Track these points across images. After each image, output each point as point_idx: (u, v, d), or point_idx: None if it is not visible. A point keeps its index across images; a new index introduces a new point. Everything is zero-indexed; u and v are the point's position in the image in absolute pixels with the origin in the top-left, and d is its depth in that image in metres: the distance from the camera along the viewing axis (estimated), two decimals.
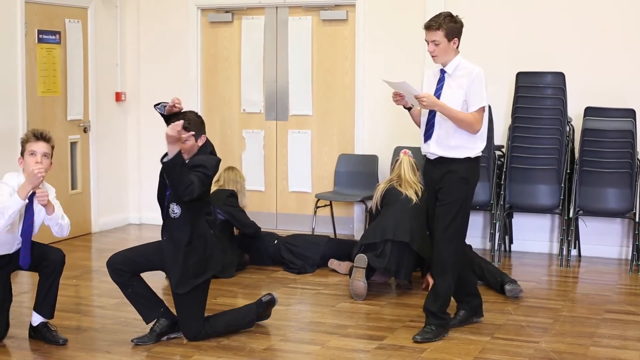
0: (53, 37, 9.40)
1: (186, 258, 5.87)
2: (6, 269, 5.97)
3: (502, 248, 8.76)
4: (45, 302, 6.01)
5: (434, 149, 6.00)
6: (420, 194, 7.44)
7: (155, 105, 6.13)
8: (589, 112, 8.42)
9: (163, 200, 5.97)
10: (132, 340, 6.00)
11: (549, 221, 8.97)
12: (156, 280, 6.92)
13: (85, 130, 9.89)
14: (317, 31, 9.87)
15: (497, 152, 8.79)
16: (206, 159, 5.88)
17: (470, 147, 5.99)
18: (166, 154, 5.60)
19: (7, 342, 6.01)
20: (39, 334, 6.05)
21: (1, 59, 8.74)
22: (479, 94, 5.93)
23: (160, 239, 6.07)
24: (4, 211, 5.60)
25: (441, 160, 6.00)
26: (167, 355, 5.80)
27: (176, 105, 6.00)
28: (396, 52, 9.32)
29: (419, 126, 6.21)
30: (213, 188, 8.18)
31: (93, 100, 9.95)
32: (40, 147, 5.80)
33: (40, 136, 5.82)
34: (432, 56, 5.99)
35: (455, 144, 5.95)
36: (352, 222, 9.76)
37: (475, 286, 6.50)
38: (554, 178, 8.44)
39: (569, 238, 8.43)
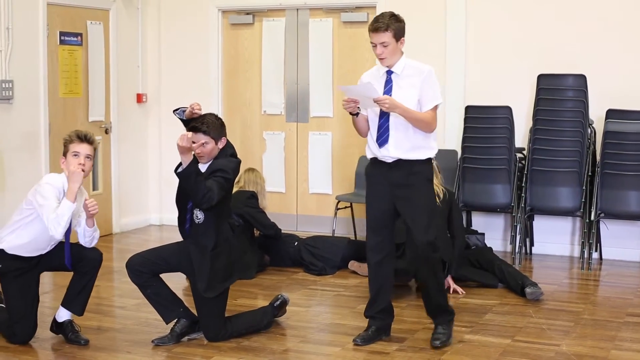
0: (75, 38, 9.45)
1: (213, 263, 5.88)
2: (37, 269, 6.01)
3: (523, 251, 8.72)
4: (77, 299, 6.04)
5: (393, 153, 5.83)
6: (441, 196, 7.41)
7: (174, 111, 6.14)
8: (611, 114, 8.39)
9: (181, 203, 5.99)
10: (152, 341, 6.02)
11: (570, 224, 8.94)
12: (176, 282, 6.94)
13: (106, 132, 9.93)
14: (338, 33, 9.88)
15: (518, 155, 8.76)
16: (226, 163, 5.88)
17: (428, 146, 5.88)
18: (180, 164, 5.63)
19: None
20: (61, 331, 6.08)
21: (23, 61, 8.79)
22: (433, 91, 5.82)
23: (179, 240, 6.10)
24: (59, 219, 5.60)
25: (401, 162, 5.84)
26: (188, 356, 5.81)
27: (195, 110, 6.01)
28: (416, 53, 9.22)
29: (361, 133, 6.03)
30: (233, 189, 8.21)
31: (114, 102, 10.00)
32: (84, 148, 5.81)
33: (84, 138, 5.83)
34: (380, 58, 5.82)
35: (414, 145, 5.82)
36: None
37: (391, 304, 6.21)
38: (575, 181, 8.40)
39: (590, 241, 8.39)
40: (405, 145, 5.81)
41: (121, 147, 10.13)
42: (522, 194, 8.55)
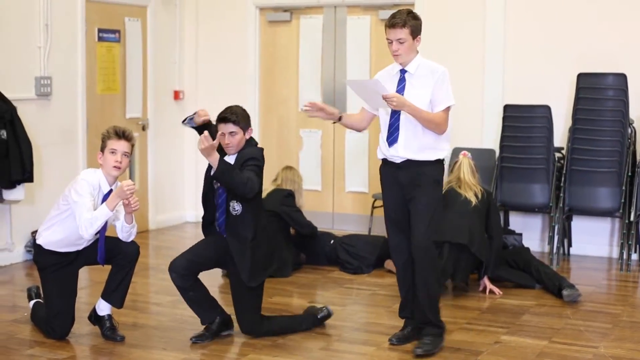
0: (113, 35, 9.48)
1: (254, 252, 5.90)
2: (75, 264, 6.03)
3: (561, 251, 8.65)
4: (116, 292, 6.07)
5: (402, 153, 5.76)
6: (479, 196, 7.38)
7: (183, 122, 6.20)
8: None
9: (209, 202, 6.06)
10: (190, 339, 6.03)
11: (609, 224, 8.84)
12: (212, 279, 6.95)
13: (143, 128, 9.96)
14: (376, 30, 9.83)
15: (557, 154, 8.69)
16: (254, 151, 5.93)
17: (439, 148, 5.80)
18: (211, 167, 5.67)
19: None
20: (99, 323, 6.12)
21: (62, 57, 8.83)
22: (445, 92, 5.73)
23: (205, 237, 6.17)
24: (93, 222, 5.63)
25: (409, 163, 5.78)
26: (223, 353, 5.82)
27: (202, 117, 6.06)
28: (455, 52, 9.25)
29: (355, 129, 6.08)
30: (271, 187, 8.21)
31: (151, 99, 10.03)
32: (121, 146, 5.81)
33: (122, 135, 5.83)
34: (395, 55, 5.75)
35: (424, 146, 5.74)
36: None
37: None
38: (614, 181, 8.32)
39: (630, 242, 8.30)
40: (414, 145, 5.75)
41: (158, 144, 10.15)
42: (561, 194, 8.48)
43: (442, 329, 5.94)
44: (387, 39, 5.76)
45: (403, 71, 5.81)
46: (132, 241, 6.07)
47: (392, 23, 5.71)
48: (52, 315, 6.00)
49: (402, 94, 5.73)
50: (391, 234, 6.02)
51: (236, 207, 5.88)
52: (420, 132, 5.73)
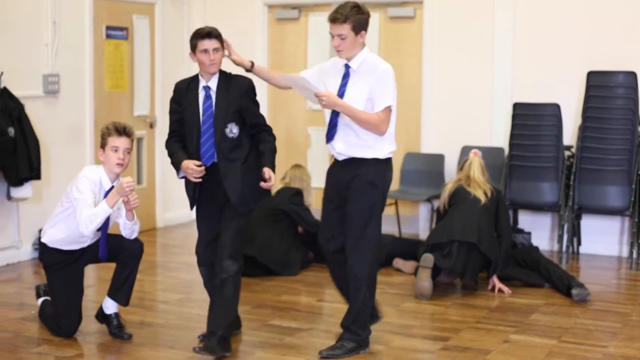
0: (121, 32, 9.47)
1: (244, 175, 5.71)
2: (81, 261, 6.03)
3: (570, 250, 8.61)
4: (122, 289, 6.06)
5: (339, 149, 5.65)
6: (489, 194, 7.35)
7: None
8: None
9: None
10: (198, 337, 6.01)
11: (618, 223, 8.80)
12: None
13: (151, 126, 9.95)
14: (384, 28, 9.81)
15: (567, 152, 8.66)
16: (250, 82, 5.99)
17: (377, 147, 5.60)
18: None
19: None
20: (106, 322, 6.11)
21: (70, 55, 8.82)
22: (384, 92, 5.50)
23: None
24: (93, 219, 5.62)
25: (349, 161, 5.64)
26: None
27: (195, 174, 5.88)
28: (464, 49, 9.23)
29: (272, 83, 6.20)
30: (279, 186, 8.20)
31: (159, 96, 10.00)
32: (123, 142, 5.79)
33: (123, 131, 5.81)
34: (337, 51, 5.58)
35: (359, 145, 5.58)
36: (417, 222, 9.68)
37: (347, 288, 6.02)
38: (624, 179, 8.28)
39: (639, 241, 8.26)
40: (350, 142, 5.60)
41: None
42: (570, 193, 8.44)
43: (360, 338, 5.77)
44: (330, 33, 5.61)
45: (347, 66, 5.65)
46: (136, 238, 6.06)
47: (332, 18, 5.53)
48: (59, 314, 6.00)
49: (345, 90, 5.59)
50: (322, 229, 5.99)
51: (234, 129, 5.70)
52: (355, 131, 5.58)
